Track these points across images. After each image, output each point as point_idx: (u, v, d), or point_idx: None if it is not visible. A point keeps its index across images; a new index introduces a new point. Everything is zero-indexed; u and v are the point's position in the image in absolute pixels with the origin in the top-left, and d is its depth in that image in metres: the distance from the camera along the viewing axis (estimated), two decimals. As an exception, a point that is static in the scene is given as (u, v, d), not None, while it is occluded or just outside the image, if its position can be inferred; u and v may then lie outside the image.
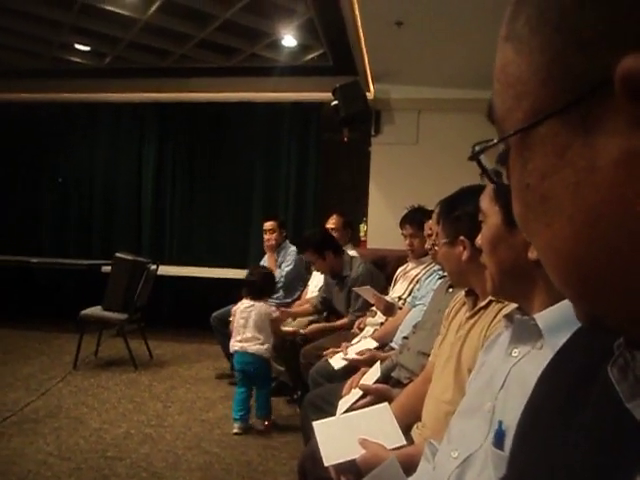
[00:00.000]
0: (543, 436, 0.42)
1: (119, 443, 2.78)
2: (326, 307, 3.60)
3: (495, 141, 0.36)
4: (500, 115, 0.35)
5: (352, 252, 3.80)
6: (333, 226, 4.03)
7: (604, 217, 0.29)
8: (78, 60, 5.31)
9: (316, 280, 3.96)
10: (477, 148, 0.39)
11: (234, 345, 3.03)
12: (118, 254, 4.38)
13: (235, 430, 2.96)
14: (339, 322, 3.34)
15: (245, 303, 3.10)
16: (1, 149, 6.27)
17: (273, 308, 3.16)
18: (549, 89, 0.30)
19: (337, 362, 2.48)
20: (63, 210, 6.17)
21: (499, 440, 0.74)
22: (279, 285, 4.00)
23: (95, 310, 4.22)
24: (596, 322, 0.34)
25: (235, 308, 3.15)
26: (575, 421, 0.38)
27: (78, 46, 5.03)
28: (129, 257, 4.35)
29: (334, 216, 4.16)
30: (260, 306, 3.06)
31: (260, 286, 3.12)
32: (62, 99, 5.86)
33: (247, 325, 3.01)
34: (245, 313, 3.05)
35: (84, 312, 4.18)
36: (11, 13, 4.34)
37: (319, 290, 3.71)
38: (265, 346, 3.00)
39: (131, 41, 4.76)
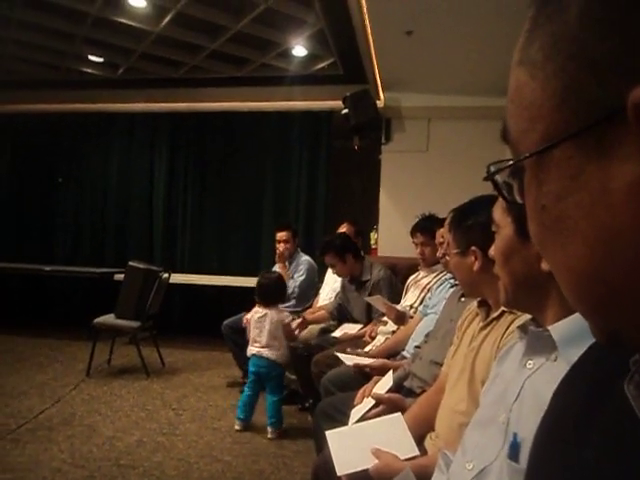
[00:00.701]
0: (559, 452, 0.42)
1: (132, 451, 2.79)
2: (341, 314, 3.60)
3: (510, 163, 0.37)
4: (515, 137, 0.36)
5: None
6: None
7: (618, 236, 0.30)
8: (91, 71, 5.40)
9: (328, 287, 3.96)
10: (492, 168, 0.40)
11: (251, 349, 3.12)
12: (131, 263, 4.42)
13: (236, 427, 3.12)
14: (366, 329, 3.22)
15: (259, 312, 3.15)
16: (15, 159, 6.38)
17: (286, 313, 3.20)
18: (563, 114, 0.31)
19: (347, 359, 2.51)
20: (76, 218, 6.24)
21: (514, 452, 0.74)
22: (293, 295, 4.00)
23: (108, 318, 4.25)
24: (611, 339, 0.35)
25: (249, 316, 3.18)
26: (591, 437, 0.39)
27: (91, 57, 5.11)
28: (141, 266, 4.38)
29: (345, 224, 4.15)
30: (272, 314, 3.11)
31: (272, 291, 3.17)
32: (75, 109, 5.95)
33: (262, 334, 3.09)
34: (259, 323, 3.11)
35: (97, 320, 4.22)
36: (26, 26, 4.42)
37: (335, 296, 3.71)
38: (280, 351, 3.09)
39: (144, 52, 4.82)
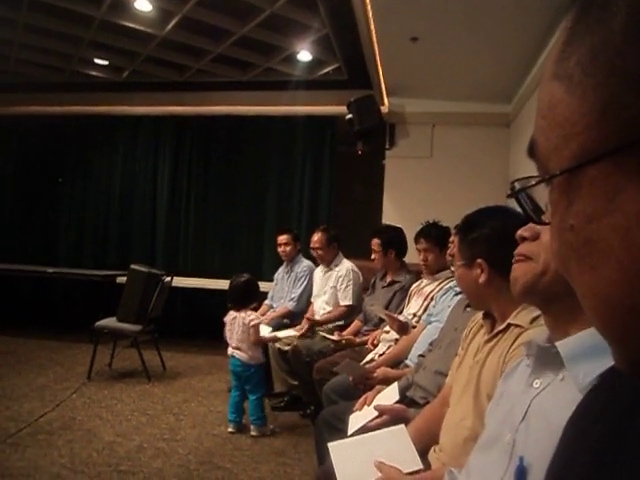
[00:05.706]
0: None
1: (132, 457, 2.78)
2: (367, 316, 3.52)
3: (538, 180, 0.35)
4: (544, 153, 0.34)
5: (348, 263, 3.79)
6: (318, 245, 3.82)
7: None
8: (97, 74, 5.41)
9: (317, 287, 3.90)
10: (517, 185, 0.38)
11: (229, 350, 3.22)
12: (133, 266, 4.41)
13: (230, 429, 3.18)
14: (369, 336, 3.21)
15: (230, 315, 3.23)
16: (20, 161, 6.39)
17: (252, 316, 3.19)
18: (602, 130, 0.30)
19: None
20: (80, 221, 6.25)
21: (521, 477, 0.72)
22: (294, 303, 3.98)
23: (109, 321, 4.25)
24: (636, 369, 0.33)
25: (225, 319, 3.26)
26: (613, 476, 0.37)
27: (97, 60, 5.12)
28: (144, 269, 4.38)
29: (317, 233, 3.88)
30: (241, 317, 3.19)
31: (240, 294, 3.22)
32: (81, 112, 5.97)
33: (232, 337, 3.19)
34: (230, 325, 3.22)
35: (99, 323, 4.22)
36: (32, 29, 4.43)
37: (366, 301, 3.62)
38: (249, 353, 3.15)
39: (149, 56, 4.83)
